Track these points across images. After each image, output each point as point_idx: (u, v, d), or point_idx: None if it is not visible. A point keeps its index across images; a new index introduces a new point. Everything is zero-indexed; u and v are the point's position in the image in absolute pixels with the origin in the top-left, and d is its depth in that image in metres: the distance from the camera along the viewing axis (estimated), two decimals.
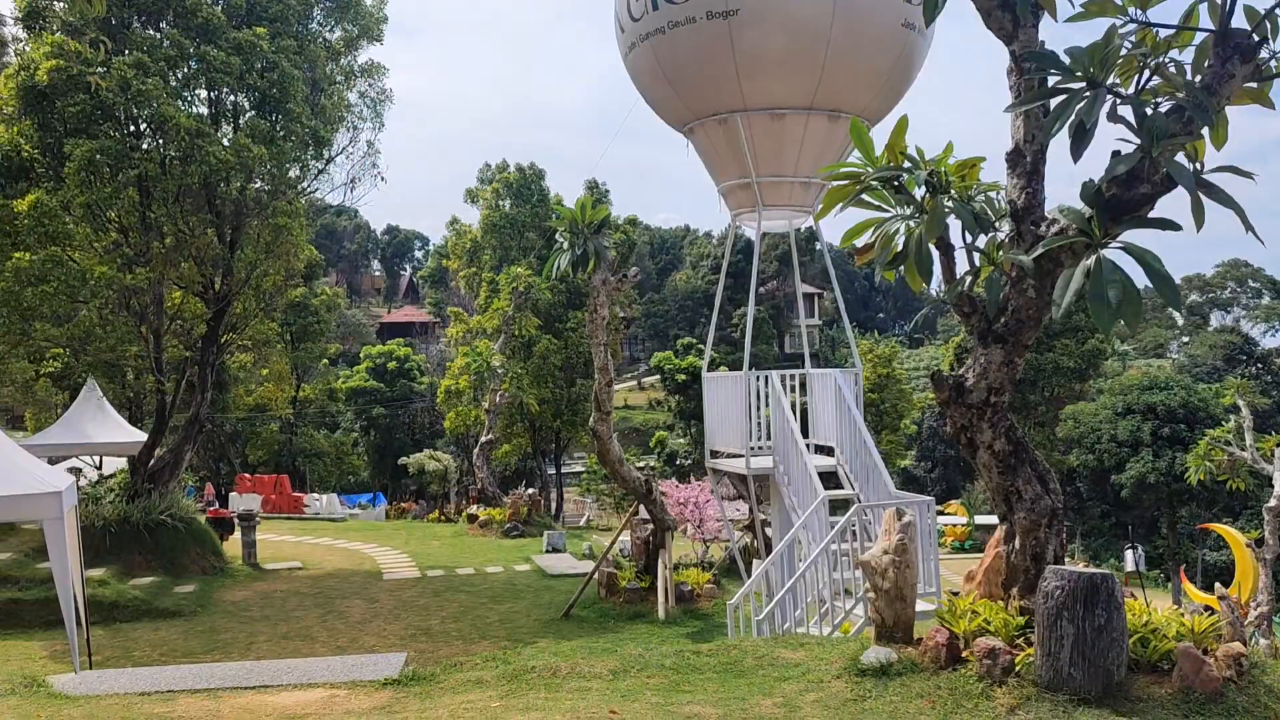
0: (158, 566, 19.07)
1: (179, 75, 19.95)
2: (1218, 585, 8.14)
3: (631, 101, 16.93)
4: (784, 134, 15.01)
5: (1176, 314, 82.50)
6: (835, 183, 8.03)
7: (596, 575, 18.56)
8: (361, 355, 59.61)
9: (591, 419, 17.88)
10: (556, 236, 17.61)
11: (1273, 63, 6.82)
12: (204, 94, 20.98)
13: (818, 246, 60.86)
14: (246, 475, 42.29)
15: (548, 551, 25.02)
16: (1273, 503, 22.33)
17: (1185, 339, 77.69)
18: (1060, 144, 7.07)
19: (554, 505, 46.55)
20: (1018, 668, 6.90)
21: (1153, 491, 42.93)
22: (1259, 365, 62.90)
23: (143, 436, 22.59)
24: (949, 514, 44.29)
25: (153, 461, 21.58)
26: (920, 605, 9.64)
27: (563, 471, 53.22)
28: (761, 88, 14.74)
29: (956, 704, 6.75)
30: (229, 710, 8.13)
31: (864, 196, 7.94)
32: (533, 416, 43.05)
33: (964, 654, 7.30)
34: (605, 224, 17.36)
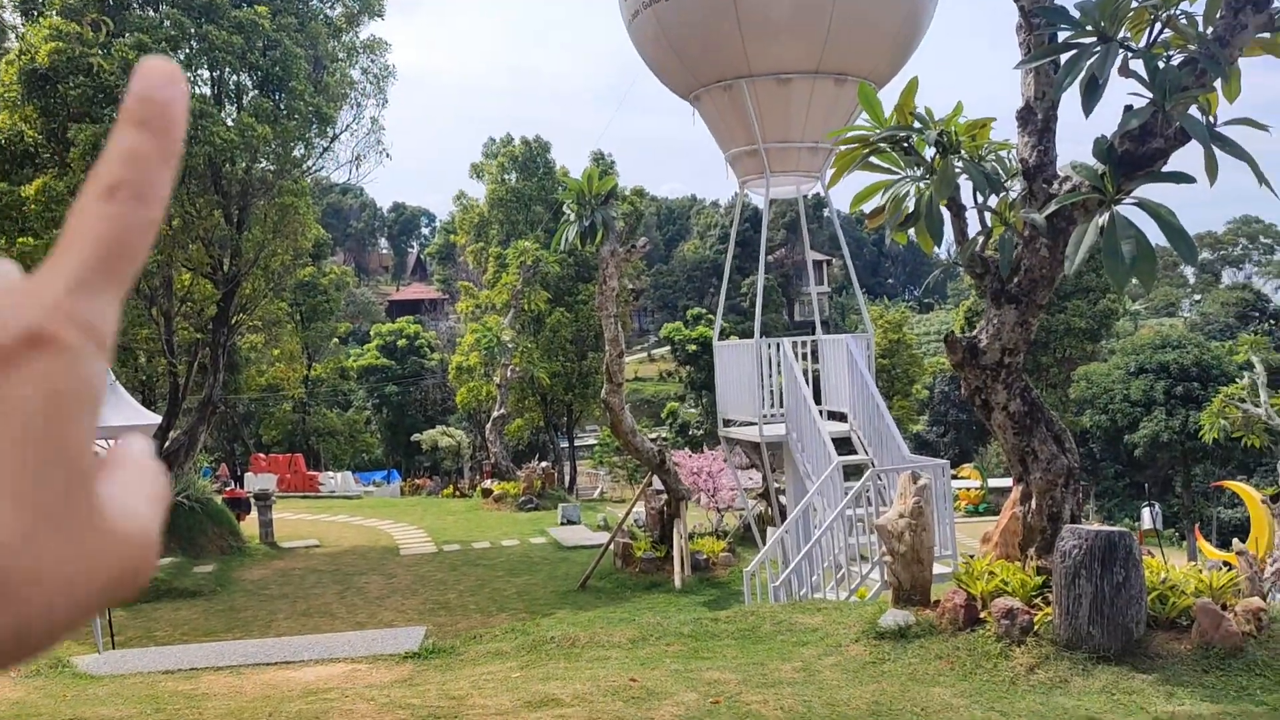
0: (176, 547, 19.20)
1: (181, 55, 19.86)
2: (1235, 541, 8.13)
3: (636, 71, 16.81)
4: (790, 99, 14.87)
5: (1189, 270, 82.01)
6: (844, 147, 7.98)
7: (612, 546, 18.62)
8: (371, 333, 59.69)
9: (603, 391, 17.87)
10: (564, 209, 17.54)
11: None
12: (206, 74, 20.89)
13: (826, 213, 60.60)
14: (261, 455, 42.50)
15: (563, 524, 25.08)
16: None
17: (1197, 297, 77.21)
18: (1070, 101, 7.00)
19: (567, 478, 46.68)
20: (1036, 627, 6.91)
21: (1166, 450, 42.82)
22: (1271, 322, 62.50)
23: (157, 419, 22.67)
24: (962, 478, 44.28)
25: (168, 443, 21.68)
26: (936, 568, 9.65)
27: (575, 444, 53.33)
28: (767, 52, 14.59)
29: (975, 664, 6.77)
30: (252, 687, 8.20)
31: (873, 159, 7.89)
32: (544, 390, 43.08)
33: (982, 615, 7.32)
34: (612, 195, 17.28)
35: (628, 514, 19.81)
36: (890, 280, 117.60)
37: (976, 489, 43.20)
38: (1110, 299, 39.23)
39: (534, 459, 42.52)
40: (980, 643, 7.00)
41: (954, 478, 45.23)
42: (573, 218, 16.85)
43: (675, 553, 17.58)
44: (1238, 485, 31.15)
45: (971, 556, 8.71)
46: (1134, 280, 6.49)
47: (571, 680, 7.15)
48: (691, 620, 9.07)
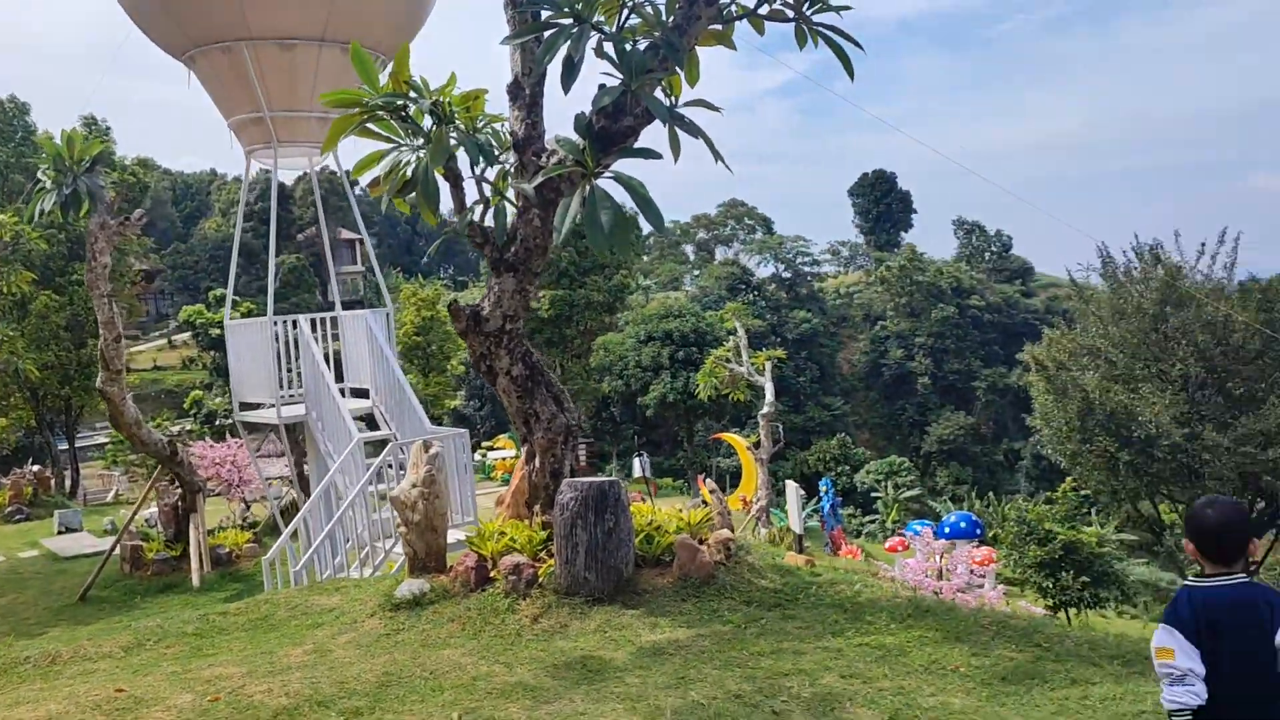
0: None
1: None
2: (709, 480, 9.13)
3: (131, 28, 15.08)
4: (296, 66, 14.23)
5: (690, 249, 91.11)
6: (344, 110, 7.77)
7: (118, 550, 16.92)
8: None
9: (99, 379, 16.11)
10: (39, 175, 15.51)
11: (733, 7, 7.58)
12: None
13: (357, 191, 59.27)
14: None
15: (60, 533, 22.38)
16: (765, 409, 25.64)
17: (696, 272, 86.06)
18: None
19: (69, 482, 41.62)
20: (541, 579, 7.26)
21: (673, 409, 47.47)
22: (755, 292, 71.52)
23: None
24: (499, 449, 45.78)
25: None
26: (459, 535, 9.84)
27: (80, 444, 47.67)
28: (268, 16, 13.82)
29: (485, 622, 6.97)
30: None
31: (372, 127, 7.76)
32: (34, 385, 37.87)
33: (492, 574, 7.55)
34: (99, 161, 15.54)
35: (134, 514, 18.11)
36: (425, 260, 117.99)
37: (512, 458, 44.87)
38: (623, 274, 42.45)
39: (28, 463, 37.52)
40: (490, 601, 7.22)
41: (491, 448, 46.70)
42: (50, 185, 14.94)
43: (193, 549, 16.38)
44: (729, 436, 35.30)
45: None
46: (613, 247, 6.99)
47: (46, 701, 6.33)
48: (198, 617, 8.44)
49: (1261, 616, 3.23)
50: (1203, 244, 26.85)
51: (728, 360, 26.86)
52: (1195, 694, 3.20)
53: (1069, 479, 26.64)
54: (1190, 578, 3.47)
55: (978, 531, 24.53)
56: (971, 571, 14.95)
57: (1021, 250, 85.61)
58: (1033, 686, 5.42)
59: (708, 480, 9.10)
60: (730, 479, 43.76)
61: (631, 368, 51.19)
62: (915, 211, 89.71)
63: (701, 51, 7.82)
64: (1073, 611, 18.21)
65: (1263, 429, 22.57)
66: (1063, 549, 17.21)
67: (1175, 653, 3.24)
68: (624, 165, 7.39)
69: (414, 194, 7.68)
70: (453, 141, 7.44)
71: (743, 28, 7.65)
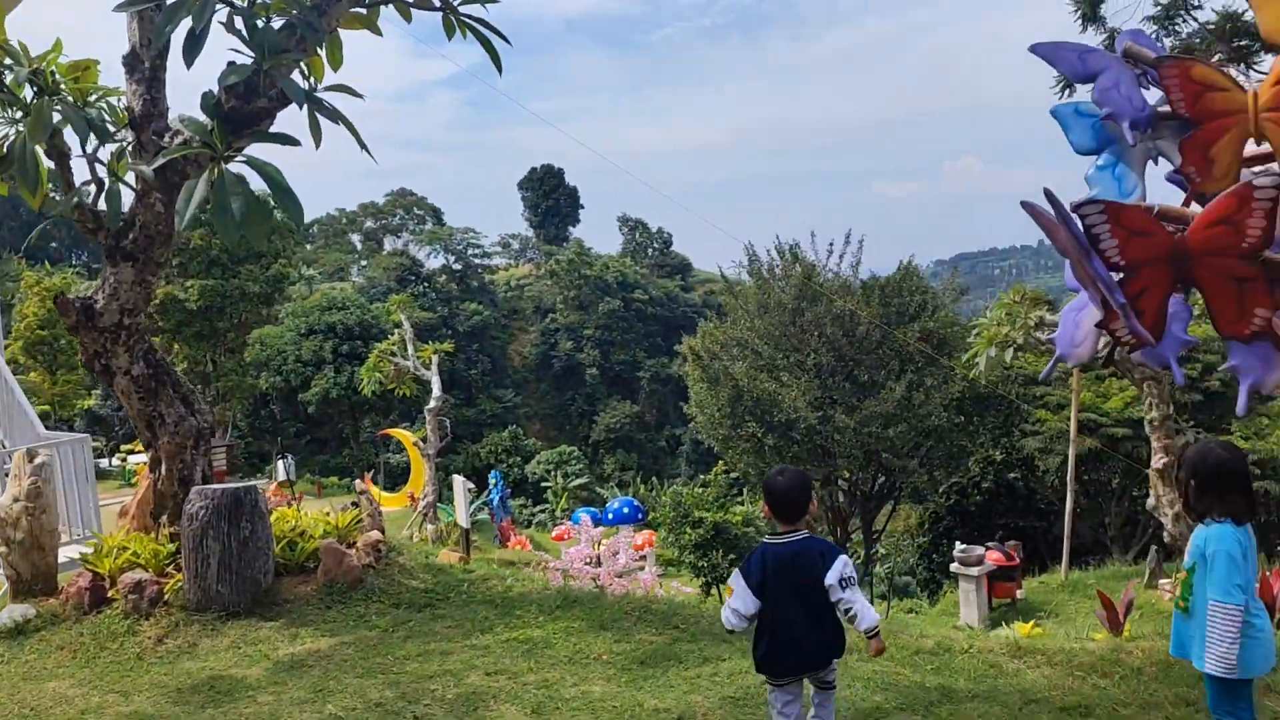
0: None
1: None
2: (358, 482, 8.83)
3: None
4: None
5: (357, 238, 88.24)
6: None
7: None
8: None
9: None
10: None
11: None
12: None
13: None
14: None
15: None
16: (432, 404, 25.28)
17: (364, 263, 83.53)
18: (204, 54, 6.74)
19: None
20: (166, 596, 6.69)
21: (337, 405, 45.80)
22: (425, 284, 70.64)
23: None
24: (139, 451, 42.11)
25: None
26: (76, 552, 8.86)
27: None
28: None
29: (100, 647, 6.32)
30: None
31: None
32: None
33: (111, 594, 6.87)
34: None
35: None
36: (54, 244, 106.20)
37: None
38: (282, 263, 40.35)
39: None
40: (107, 623, 6.55)
41: (133, 452, 42.79)
42: None
43: None
44: (397, 432, 34.54)
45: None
46: (246, 236, 6.54)
47: None
48: None
49: (815, 564, 4.09)
50: (831, 244, 29.63)
51: (393, 354, 26.21)
52: (730, 621, 4.18)
53: (720, 462, 28.29)
54: (767, 537, 4.32)
55: (640, 516, 25.55)
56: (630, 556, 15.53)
57: (681, 247, 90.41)
58: (669, 668, 5.65)
59: (357, 481, 8.80)
60: (397, 476, 42.83)
61: (291, 362, 48.77)
62: (583, 207, 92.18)
63: (373, 39, 7.51)
64: (723, 588, 19.44)
65: (882, 411, 25.16)
66: (713, 529, 18.29)
67: (734, 593, 4.18)
68: (263, 151, 6.96)
69: (11, 172, 6.84)
70: (57, 115, 6.67)
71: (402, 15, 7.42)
